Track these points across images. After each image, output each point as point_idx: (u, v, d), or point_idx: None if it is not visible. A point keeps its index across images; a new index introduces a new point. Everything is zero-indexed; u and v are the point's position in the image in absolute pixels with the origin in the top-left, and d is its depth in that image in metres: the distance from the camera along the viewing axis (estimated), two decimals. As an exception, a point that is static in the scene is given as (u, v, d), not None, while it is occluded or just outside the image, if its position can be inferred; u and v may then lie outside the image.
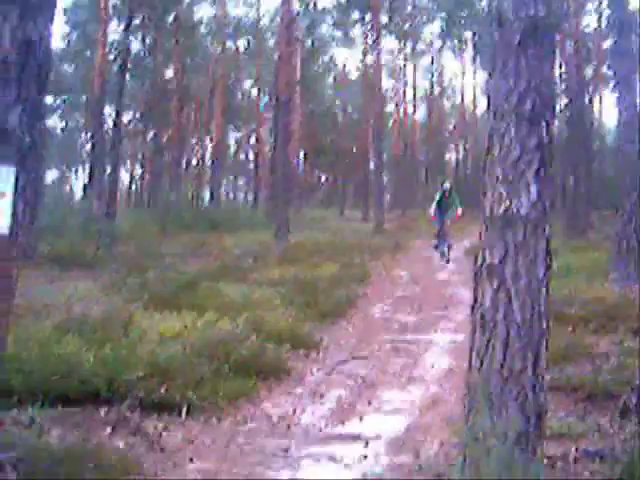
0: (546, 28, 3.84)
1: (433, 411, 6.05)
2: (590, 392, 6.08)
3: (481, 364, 3.69)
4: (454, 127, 56.01)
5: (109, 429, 5.30)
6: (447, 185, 17.57)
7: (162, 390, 5.86)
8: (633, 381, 5.71)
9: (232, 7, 44.86)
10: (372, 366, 7.77)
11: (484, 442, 3.47)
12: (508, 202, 3.70)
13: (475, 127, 50.95)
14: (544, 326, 3.69)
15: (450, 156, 60.90)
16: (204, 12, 45.86)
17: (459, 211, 16.57)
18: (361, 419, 5.92)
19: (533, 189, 3.68)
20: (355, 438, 5.42)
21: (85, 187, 34.96)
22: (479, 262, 3.81)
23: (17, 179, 3.97)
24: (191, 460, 4.95)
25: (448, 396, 6.30)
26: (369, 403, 6.37)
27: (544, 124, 3.77)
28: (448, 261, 16.95)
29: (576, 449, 4.73)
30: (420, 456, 4.90)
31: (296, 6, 29.30)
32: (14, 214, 3.97)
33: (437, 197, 17.25)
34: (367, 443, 5.26)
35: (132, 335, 7.52)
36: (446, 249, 17.23)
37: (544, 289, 3.71)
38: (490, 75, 3.95)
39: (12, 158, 3.96)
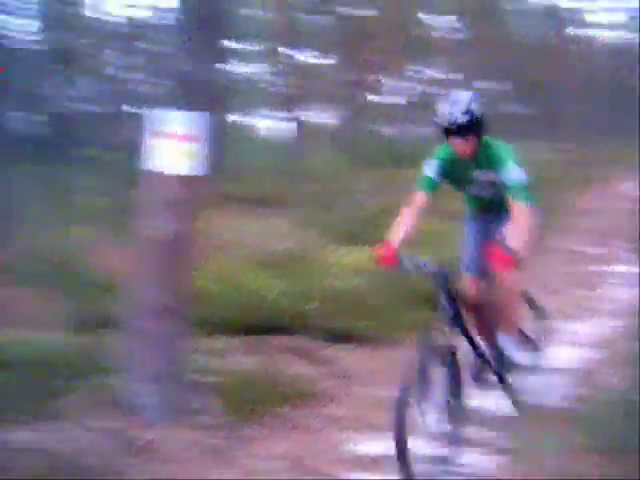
0: None
1: (613, 346, 5.90)
2: None
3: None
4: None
5: (290, 356, 5.65)
6: (463, 107, 3.97)
7: (341, 321, 6.12)
8: None
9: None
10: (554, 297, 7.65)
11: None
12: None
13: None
14: None
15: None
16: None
17: (522, 216, 3.90)
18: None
19: None
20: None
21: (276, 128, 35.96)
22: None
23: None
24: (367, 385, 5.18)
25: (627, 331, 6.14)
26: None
27: None
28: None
29: None
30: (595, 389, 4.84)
31: None
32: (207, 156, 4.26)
33: (429, 167, 4.28)
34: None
35: (315, 269, 7.84)
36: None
37: None
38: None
39: (204, 105, 4.27)
